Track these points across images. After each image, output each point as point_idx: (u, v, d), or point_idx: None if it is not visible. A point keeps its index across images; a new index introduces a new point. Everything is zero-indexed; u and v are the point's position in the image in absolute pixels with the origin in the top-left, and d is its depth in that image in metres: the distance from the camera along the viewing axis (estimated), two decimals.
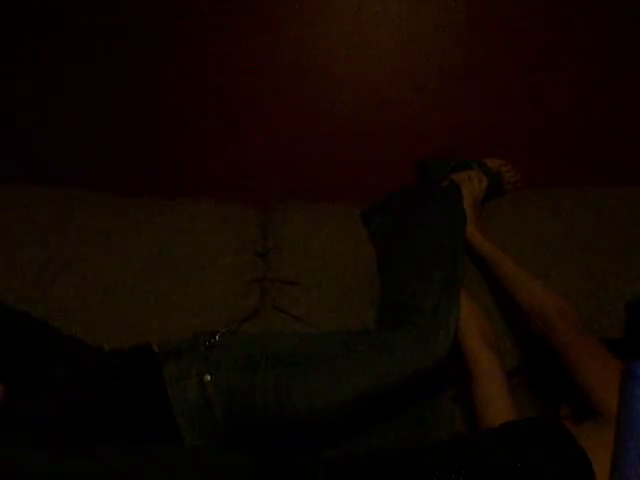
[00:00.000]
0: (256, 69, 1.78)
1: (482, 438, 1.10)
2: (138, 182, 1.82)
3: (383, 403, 1.35)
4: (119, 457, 1.06)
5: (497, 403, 1.30)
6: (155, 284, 1.54)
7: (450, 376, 1.46)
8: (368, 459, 1.10)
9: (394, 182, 1.72)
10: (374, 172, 1.81)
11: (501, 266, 1.46)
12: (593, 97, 1.78)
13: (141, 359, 1.29)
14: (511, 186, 1.72)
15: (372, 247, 1.58)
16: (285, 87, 1.79)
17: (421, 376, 1.33)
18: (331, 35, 1.77)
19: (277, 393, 1.25)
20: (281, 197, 1.75)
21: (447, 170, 1.66)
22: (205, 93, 1.80)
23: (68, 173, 1.81)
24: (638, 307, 1.41)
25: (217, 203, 1.66)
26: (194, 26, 1.77)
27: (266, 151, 1.82)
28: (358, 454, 1.16)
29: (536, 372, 1.51)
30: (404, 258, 1.48)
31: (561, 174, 1.80)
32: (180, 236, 1.58)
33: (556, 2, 1.74)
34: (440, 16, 1.75)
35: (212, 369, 1.26)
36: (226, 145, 1.82)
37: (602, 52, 1.76)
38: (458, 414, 1.45)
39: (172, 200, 1.67)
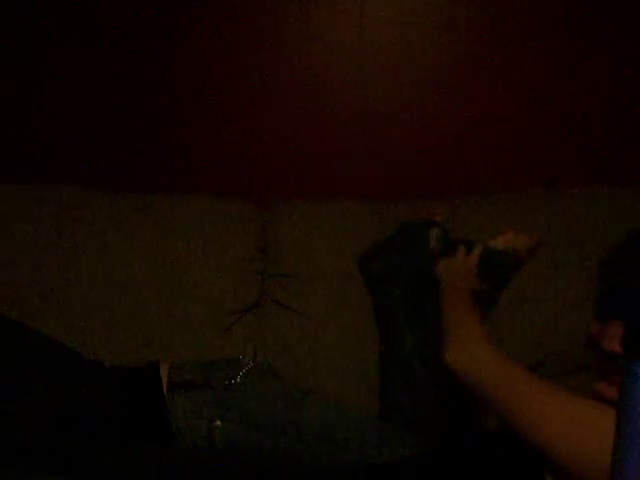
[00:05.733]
0: (259, 68, 1.78)
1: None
2: (140, 179, 1.82)
3: None
4: (116, 455, 1.04)
5: None
6: (156, 279, 1.56)
7: None
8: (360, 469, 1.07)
9: (394, 181, 1.72)
10: (373, 171, 1.81)
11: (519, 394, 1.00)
12: (594, 97, 1.76)
13: (147, 382, 1.25)
14: (528, 253, 1.49)
15: (370, 243, 1.57)
16: (286, 86, 1.78)
17: None
18: (333, 33, 1.76)
19: (284, 461, 1.19)
20: (282, 193, 1.76)
21: (433, 242, 1.46)
22: (207, 91, 1.80)
23: (68, 172, 1.81)
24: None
25: (218, 199, 1.68)
26: (196, 29, 1.76)
27: (267, 149, 1.82)
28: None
29: None
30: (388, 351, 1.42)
31: (562, 175, 1.78)
32: (181, 231, 1.60)
33: (556, 3, 1.73)
34: (439, 18, 1.74)
35: (223, 415, 1.20)
36: (228, 142, 1.82)
37: (603, 52, 1.75)
38: None
39: (173, 196, 1.68)
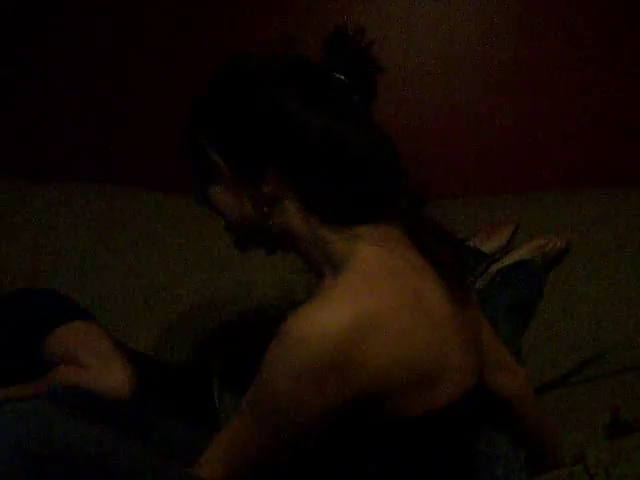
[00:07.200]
0: None
1: None
2: (139, 178, 1.82)
3: None
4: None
5: None
6: (157, 277, 1.57)
7: None
8: None
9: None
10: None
11: None
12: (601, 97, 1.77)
13: (198, 380, 1.25)
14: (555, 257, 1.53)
15: None
16: None
17: None
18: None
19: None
20: None
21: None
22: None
23: (67, 170, 1.82)
24: None
25: None
26: (196, 31, 1.78)
27: None
28: None
29: None
30: None
31: (565, 176, 1.79)
32: (184, 230, 1.62)
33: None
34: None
35: None
36: None
37: (609, 53, 1.76)
38: None
39: (174, 195, 1.69)
